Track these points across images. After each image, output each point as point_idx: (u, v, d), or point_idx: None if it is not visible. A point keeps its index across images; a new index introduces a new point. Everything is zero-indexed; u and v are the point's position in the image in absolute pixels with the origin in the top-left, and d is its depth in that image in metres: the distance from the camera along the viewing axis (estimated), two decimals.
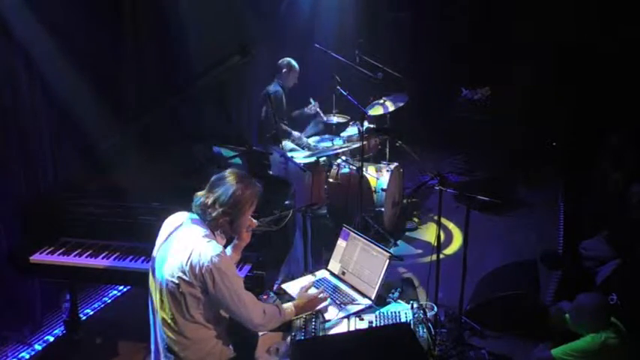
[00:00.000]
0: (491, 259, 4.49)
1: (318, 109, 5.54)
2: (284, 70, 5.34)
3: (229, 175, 2.43)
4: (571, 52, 6.13)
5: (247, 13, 5.70)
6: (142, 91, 4.51)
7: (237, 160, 3.90)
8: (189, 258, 2.31)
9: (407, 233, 5.24)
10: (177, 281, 2.32)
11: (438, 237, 3.49)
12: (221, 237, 2.52)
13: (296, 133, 5.44)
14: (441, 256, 3.53)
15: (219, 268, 2.29)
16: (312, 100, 5.52)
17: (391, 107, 5.27)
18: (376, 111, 5.29)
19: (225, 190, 2.39)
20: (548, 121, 6.18)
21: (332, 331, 2.70)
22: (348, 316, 2.81)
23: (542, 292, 3.95)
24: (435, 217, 5.24)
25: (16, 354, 3.62)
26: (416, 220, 5.44)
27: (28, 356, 3.62)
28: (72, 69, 3.91)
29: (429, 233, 5.20)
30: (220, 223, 2.41)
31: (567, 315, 3.25)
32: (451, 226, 5.25)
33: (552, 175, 6.00)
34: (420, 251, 4.87)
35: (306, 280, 3.05)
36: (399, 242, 5.02)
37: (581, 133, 5.72)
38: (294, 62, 5.36)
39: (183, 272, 2.31)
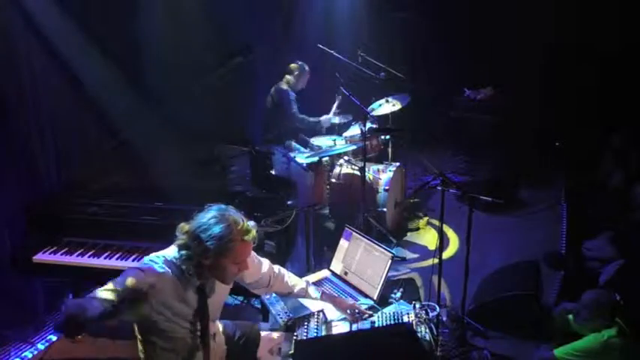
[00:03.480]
0: (493, 259, 4.48)
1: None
2: (296, 73, 5.37)
3: (217, 209, 2.25)
4: (574, 52, 6.12)
5: (250, 13, 5.71)
6: (144, 91, 4.52)
7: None
8: None
9: (409, 233, 5.24)
10: None
11: (441, 236, 3.49)
12: (191, 277, 2.27)
13: (323, 118, 5.49)
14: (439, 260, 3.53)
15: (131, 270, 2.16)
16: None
17: (393, 107, 5.26)
18: (378, 111, 5.29)
19: (199, 219, 2.23)
20: (552, 121, 6.17)
21: (334, 331, 2.70)
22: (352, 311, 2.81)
23: (544, 292, 3.94)
24: (434, 221, 5.27)
25: (20, 353, 3.62)
26: (418, 220, 5.44)
27: (31, 355, 3.63)
28: (75, 70, 3.92)
29: (430, 234, 5.20)
30: (182, 256, 2.23)
31: (570, 316, 3.25)
32: (450, 232, 5.22)
33: (555, 175, 5.99)
34: (422, 251, 4.86)
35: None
36: (401, 242, 5.01)
37: (585, 133, 5.71)
38: (307, 67, 5.40)
39: None
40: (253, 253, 2.54)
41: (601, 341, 2.97)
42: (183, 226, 2.24)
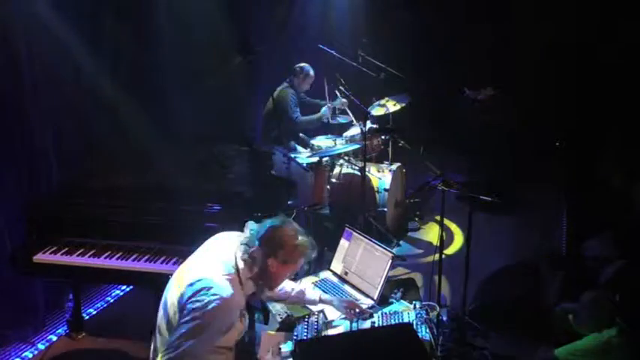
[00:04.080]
0: (494, 259, 4.49)
1: (346, 108, 5.46)
2: (300, 75, 5.36)
3: (290, 221, 2.32)
4: (574, 52, 6.12)
5: (251, 13, 5.72)
6: (144, 90, 4.53)
7: None
8: (192, 285, 2.12)
9: (409, 233, 5.24)
10: (174, 301, 2.16)
11: (441, 237, 3.49)
12: (248, 282, 2.25)
13: (322, 112, 5.42)
14: (443, 256, 3.53)
15: (205, 313, 2.05)
16: (338, 95, 5.44)
17: (394, 107, 5.27)
18: (379, 111, 5.30)
19: (273, 226, 2.25)
20: (552, 121, 6.17)
21: (334, 331, 2.70)
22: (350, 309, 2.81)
23: (544, 292, 3.95)
24: (437, 217, 5.27)
25: (20, 353, 3.63)
26: (418, 220, 5.44)
27: (31, 355, 3.63)
28: (75, 69, 3.93)
29: (431, 233, 5.20)
30: (247, 261, 2.21)
31: (570, 316, 3.24)
32: (453, 226, 5.25)
33: (555, 174, 5.99)
34: (422, 251, 4.87)
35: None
36: (401, 242, 5.01)
37: (585, 133, 5.71)
38: (312, 70, 5.39)
39: (182, 295, 2.13)
40: None
41: (601, 341, 2.96)
42: (253, 230, 2.27)
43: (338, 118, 5.45)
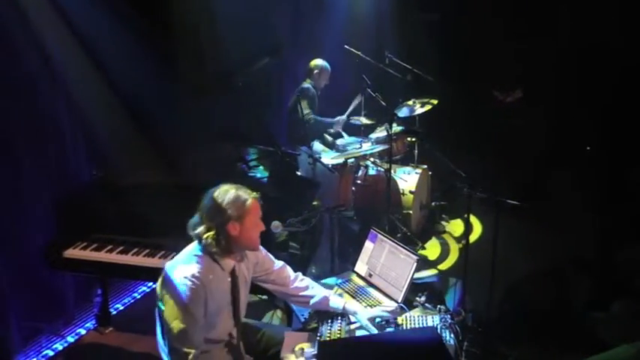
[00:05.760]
0: (520, 264, 4.41)
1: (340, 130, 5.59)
2: (315, 72, 5.40)
3: (215, 188, 2.34)
4: (606, 55, 5.98)
5: (278, 15, 5.75)
6: (171, 91, 4.58)
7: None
8: (162, 278, 2.30)
9: (435, 236, 5.19)
10: (158, 301, 2.31)
11: (466, 242, 3.45)
12: (224, 257, 2.36)
13: (335, 119, 5.51)
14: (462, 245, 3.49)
15: (171, 293, 2.23)
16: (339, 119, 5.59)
17: (420, 109, 5.23)
18: (405, 113, 5.26)
19: (206, 201, 2.32)
20: (583, 124, 6.04)
21: (358, 334, 2.69)
22: (374, 319, 2.79)
23: (573, 299, 3.87)
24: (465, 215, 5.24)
25: (50, 345, 3.73)
26: (444, 222, 5.39)
27: (61, 347, 3.73)
28: (104, 70, 4.00)
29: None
30: (209, 241, 2.28)
31: (600, 325, 3.17)
32: (473, 218, 5.19)
33: (585, 178, 5.86)
34: (446, 253, 4.84)
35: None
36: (426, 245, 4.97)
37: (617, 137, 5.57)
38: (325, 63, 5.42)
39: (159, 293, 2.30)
40: (264, 251, 2.66)
41: (632, 352, 2.88)
42: (191, 221, 2.35)
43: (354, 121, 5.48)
